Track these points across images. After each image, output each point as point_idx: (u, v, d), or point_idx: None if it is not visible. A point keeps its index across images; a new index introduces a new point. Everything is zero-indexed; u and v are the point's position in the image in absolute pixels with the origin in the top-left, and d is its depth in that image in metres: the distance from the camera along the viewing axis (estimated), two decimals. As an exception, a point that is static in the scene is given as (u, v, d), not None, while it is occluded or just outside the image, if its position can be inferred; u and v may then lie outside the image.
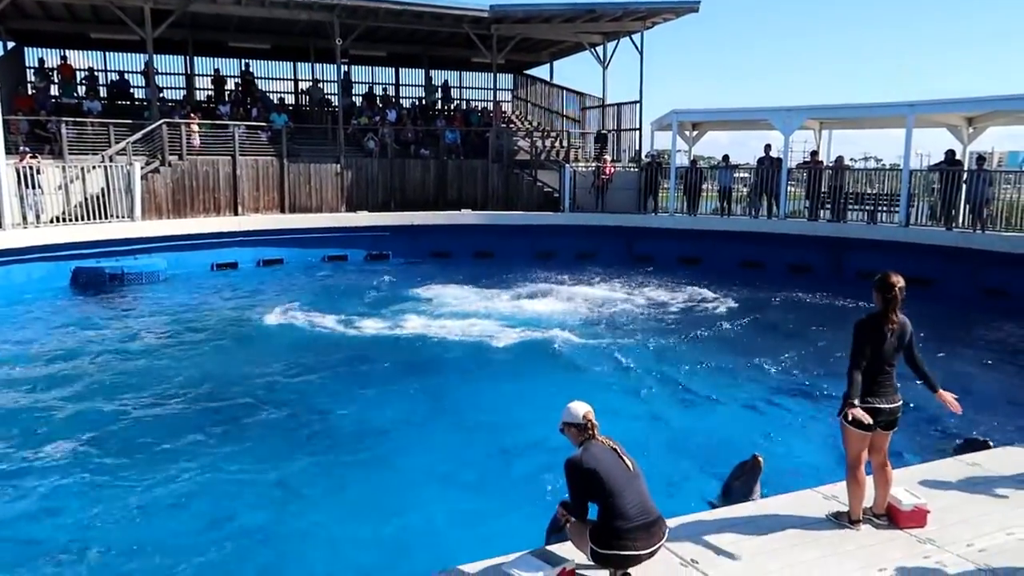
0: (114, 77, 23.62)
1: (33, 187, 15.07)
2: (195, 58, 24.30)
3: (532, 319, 13.14)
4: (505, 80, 28.63)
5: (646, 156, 22.45)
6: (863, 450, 4.60)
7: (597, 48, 24.29)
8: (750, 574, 4.12)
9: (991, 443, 6.84)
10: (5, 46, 21.91)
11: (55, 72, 22.13)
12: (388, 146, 21.61)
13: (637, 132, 23.54)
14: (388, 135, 21.79)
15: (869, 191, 19.09)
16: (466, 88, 29.00)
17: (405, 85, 28.01)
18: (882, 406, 4.51)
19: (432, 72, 27.41)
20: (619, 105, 24.48)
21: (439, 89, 27.39)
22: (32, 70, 22.32)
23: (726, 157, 20.70)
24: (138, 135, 17.72)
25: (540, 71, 28.89)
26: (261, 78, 25.32)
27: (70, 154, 16.87)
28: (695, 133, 21.84)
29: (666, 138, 21.21)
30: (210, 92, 24.20)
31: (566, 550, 4.14)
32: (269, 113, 21.81)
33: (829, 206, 18.45)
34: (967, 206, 16.15)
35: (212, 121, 20.37)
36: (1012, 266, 14.55)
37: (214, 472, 6.79)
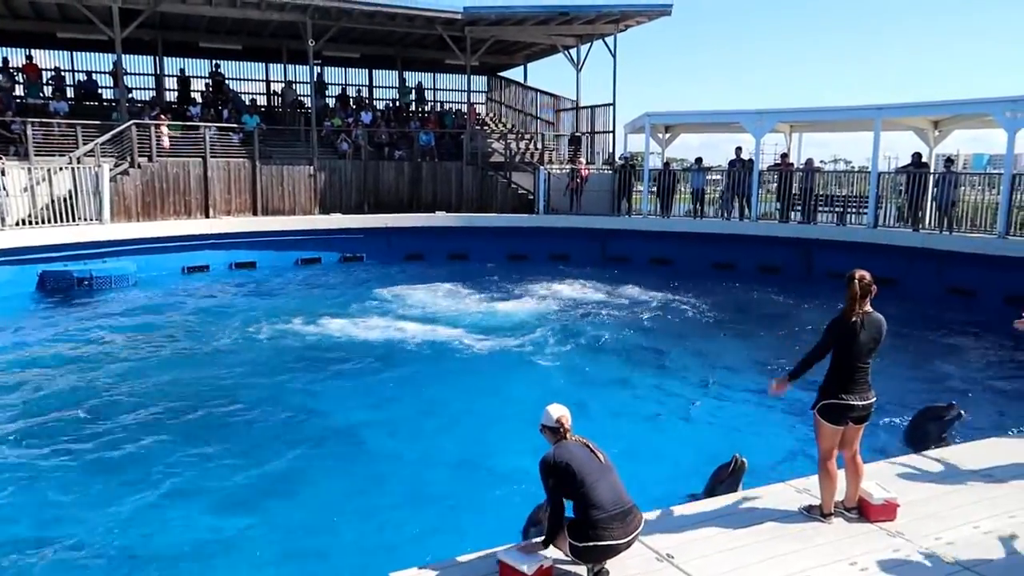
0: (81, 77, 23.22)
1: (-2, 189, 14.77)
2: (165, 59, 23.96)
3: (504, 320, 13.16)
4: (479, 82, 28.66)
5: (620, 158, 22.59)
6: (835, 444, 4.68)
7: (571, 51, 24.40)
8: (724, 567, 4.16)
9: (954, 404, 7.06)
10: (-32, 45, 21.48)
11: (20, 72, 21.71)
12: (362, 148, 21.51)
13: (611, 134, 23.68)
14: (361, 137, 21.69)
15: (838, 193, 19.40)
16: (440, 90, 28.98)
17: (379, 87, 27.92)
18: (855, 402, 4.60)
19: (406, 74, 27.35)
20: (592, 108, 24.61)
21: (413, 91, 27.32)
22: (-3, 70, 21.88)
23: (699, 159, 20.91)
24: (106, 136, 17.44)
25: (514, 73, 28.99)
26: (232, 79, 25.04)
27: (36, 155, 16.56)
28: (668, 135, 22.03)
29: (639, 140, 21.39)
30: (182, 93, 23.88)
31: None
32: (241, 115, 21.59)
33: (799, 208, 18.72)
34: (935, 207, 16.47)
35: (183, 122, 20.12)
36: (976, 266, 14.88)
37: (178, 477, 6.72)
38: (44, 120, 18.22)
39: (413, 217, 20.83)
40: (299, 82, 24.68)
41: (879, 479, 5.08)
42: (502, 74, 29.10)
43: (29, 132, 16.71)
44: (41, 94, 21.18)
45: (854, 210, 18.24)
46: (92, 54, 23.35)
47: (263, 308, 13.98)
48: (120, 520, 5.94)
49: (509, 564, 3.89)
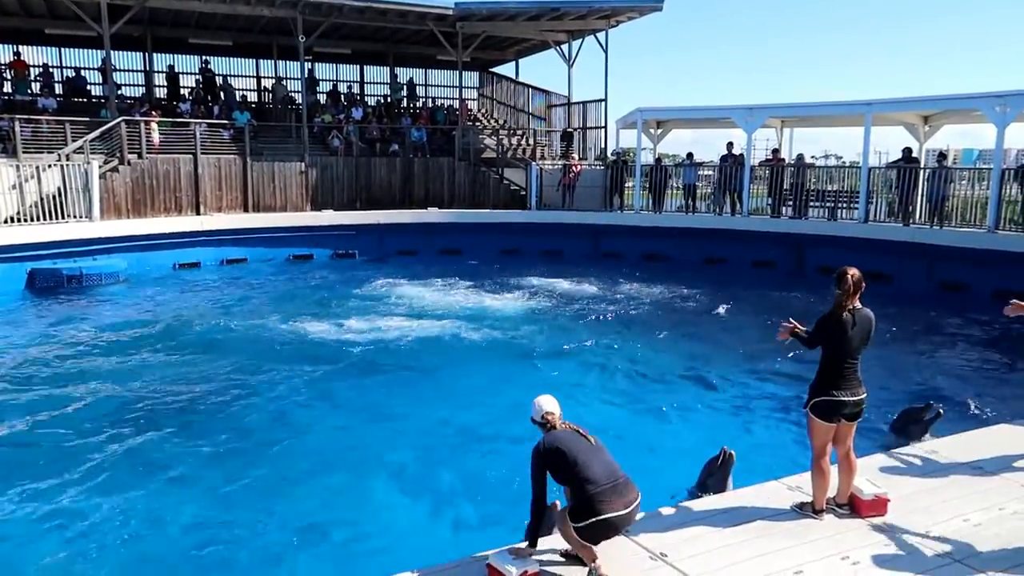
0: (70, 74, 23.06)
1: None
2: (154, 55, 23.84)
3: (496, 315, 13.16)
4: (471, 78, 28.58)
5: (612, 154, 22.60)
6: (828, 441, 4.71)
7: (562, 46, 24.38)
8: (717, 565, 4.18)
9: (932, 403, 7.13)
10: (-45, 41, 21.30)
11: (8, 68, 21.54)
12: (353, 144, 21.45)
13: (602, 130, 23.68)
14: (353, 133, 21.62)
15: (830, 188, 19.46)
16: (432, 86, 28.92)
17: (370, 83, 27.83)
18: (846, 399, 4.62)
19: (397, 70, 27.26)
20: (584, 103, 24.61)
21: (404, 87, 27.25)
22: (-17, 66, 21.72)
23: (690, 155, 20.93)
24: (96, 133, 17.32)
25: (506, 69, 28.95)
26: (222, 75, 24.91)
27: (24, 153, 16.44)
28: (659, 131, 22.04)
29: (631, 136, 21.38)
30: (170, 90, 23.74)
31: (536, 549, 4.17)
32: (231, 111, 21.49)
33: (791, 203, 18.76)
34: (926, 202, 16.53)
35: (172, 119, 20.01)
36: (966, 261, 14.95)
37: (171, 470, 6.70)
38: (32, 117, 18.09)
39: (405, 213, 20.79)
40: (290, 78, 24.59)
41: (869, 474, 5.10)
42: (494, 70, 29.05)
43: (17, 129, 16.57)
44: (29, 91, 21.02)
45: (845, 205, 18.30)
46: (80, 50, 23.19)
47: (253, 305, 13.94)
48: (115, 513, 5.93)
49: (496, 568, 3.89)
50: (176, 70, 24.19)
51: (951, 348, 11.57)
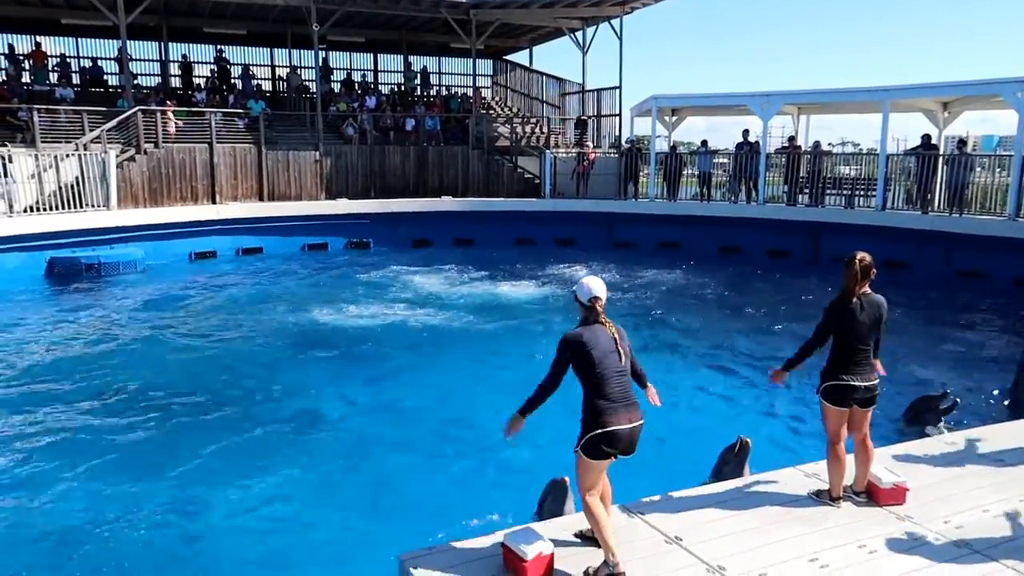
0: (87, 64, 23.20)
1: (5, 176, 14.80)
2: (169, 44, 23.92)
3: (510, 303, 13.17)
4: (484, 66, 28.47)
5: (626, 142, 22.49)
6: (841, 426, 4.68)
7: (576, 33, 24.24)
8: (732, 550, 4.17)
9: (948, 392, 7.04)
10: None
11: (27, 59, 21.69)
12: (367, 133, 21.46)
13: (617, 118, 23.55)
14: (367, 121, 21.63)
15: (846, 176, 19.27)
16: (445, 74, 28.83)
17: (384, 71, 27.78)
18: (857, 384, 4.59)
19: (411, 58, 27.18)
20: (599, 91, 24.47)
21: (418, 75, 27.21)
22: (3, 56, 21.86)
23: (704, 142, 20.79)
24: (113, 123, 17.43)
25: (520, 57, 28.82)
26: (237, 64, 24.96)
27: (43, 142, 16.57)
28: (674, 119, 21.89)
29: (646, 124, 21.26)
30: (184, 79, 23.83)
31: (554, 529, 4.19)
32: (246, 100, 21.55)
33: (807, 191, 18.60)
34: (946, 190, 16.34)
35: (188, 108, 20.09)
36: (985, 249, 14.79)
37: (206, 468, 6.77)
38: (50, 107, 18.23)
39: (419, 202, 20.80)
40: (304, 67, 24.61)
41: (888, 463, 5.08)
42: (507, 58, 28.93)
43: (36, 119, 16.71)
44: (47, 81, 21.17)
45: (862, 193, 18.12)
46: (97, 40, 23.30)
47: (270, 294, 14.02)
48: (140, 503, 6.01)
49: (511, 548, 3.89)
50: (191, 59, 24.28)
51: (968, 337, 11.45)
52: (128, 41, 19.37)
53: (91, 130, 17.12)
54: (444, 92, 27.74)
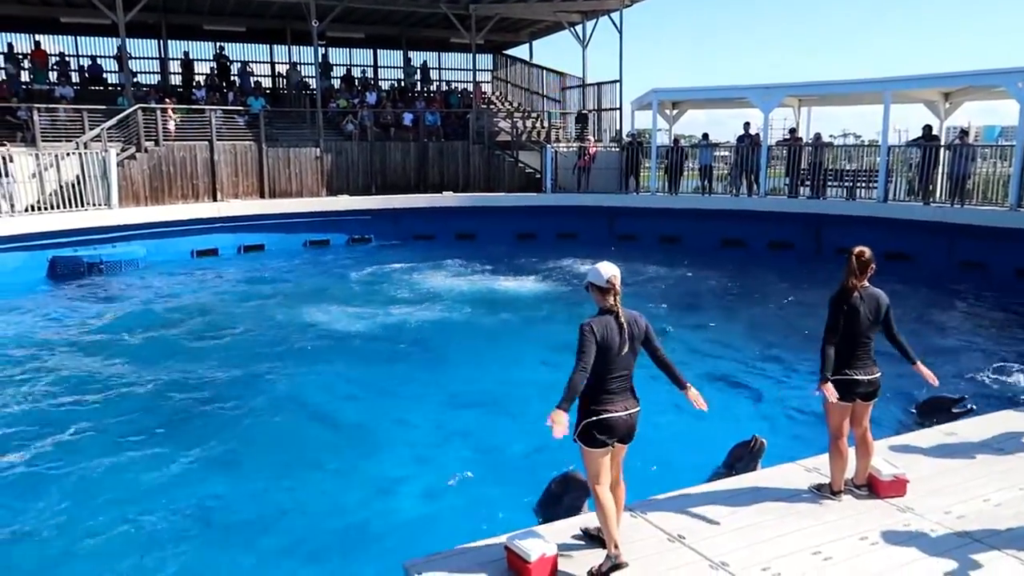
0: (86, 62, 23.20)
1: (5, 175, 14.81)
2: (169, 42, 23.90)
3: (512, 298, 13.18)
4: (484, 61, 28.43)
5: (627, 136, 22.45)
6: (844, 421, 4.69)
7: (576, 27, 24.18)
8: (735, 546, 4.19)
9: (966, 398, 7.00)
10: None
11: (26, 58, 21.69)
12: (368, 129, 21.44)
13: (617, 112, 23.51)
14: (367, 118, 21.62)
15: (848, 167, 19.22)
16: (445, 69, 28.81)
17: (384, 67, 27.78)
18: (860, 377, 4.61)
19: (411, 53, 27.16)
20: (599, 84, 24.42)
21: (418, 71, 27.17)
22: (3, 55, 21.86)
23: (705, 135, 20.75)
24: (113, 121, 17.44)
25: (520, 51, 28.73)
26: (237, 61, 24.94)
27: (43, 141, 16.58)
28: (675, 112, 21.84)
29: (646, 117, 21.21)
30: (185, 76, 23.83)
31: (555, 532, 4.20)
32: (246, 97, 21.54)
33: (809, 183, 18.57)
34: (947, 180, 16.29)
35: (188, 106, 20.09)
36: (987, 239, 14.75)
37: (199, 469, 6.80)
38: (50, 105, 18.24)
39: (420, 198, 20.79)
40: (304, 64, 24.58)
41: (886, 456, 5.09)
42: (507, 52, 28.88)
43: (36, 118, 16.72)
44: (47, 79, 21.17)
45: (864, 184, 18.08)
46: (96, 38, 23.29)
47: (272, 291, 14.03)
48: (143, 497, 6.04)
49: (514, 551, 3.89)
50: (191, 57, 24.26)
51: (971, 327, 11.44)
52: (127, 39, 19.37)
53: (91, 128, 17.14)
54: (444, 87, 27.72)
